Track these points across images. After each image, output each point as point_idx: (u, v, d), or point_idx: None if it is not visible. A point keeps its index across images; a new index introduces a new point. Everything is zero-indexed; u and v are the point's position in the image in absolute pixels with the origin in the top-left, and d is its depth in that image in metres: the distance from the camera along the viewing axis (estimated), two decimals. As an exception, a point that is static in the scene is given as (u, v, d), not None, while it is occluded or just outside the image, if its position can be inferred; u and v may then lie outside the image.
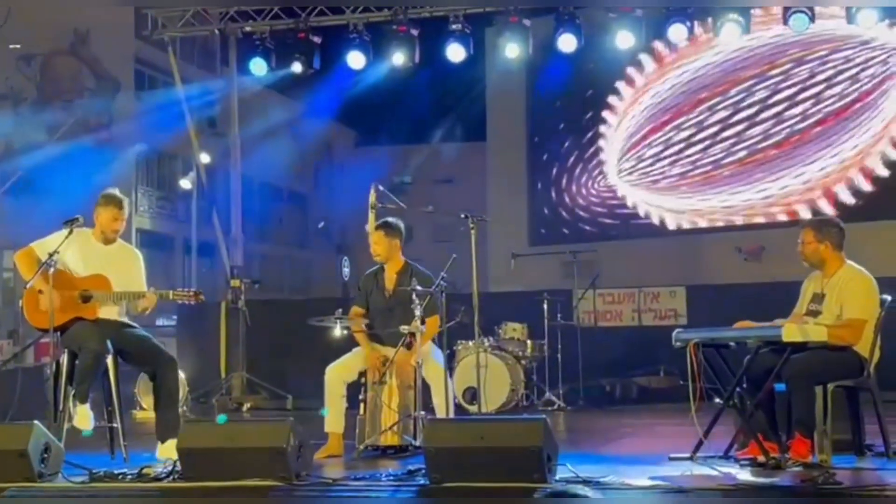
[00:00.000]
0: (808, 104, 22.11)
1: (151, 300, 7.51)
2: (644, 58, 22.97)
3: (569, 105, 24.99)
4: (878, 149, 21.24)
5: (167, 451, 7.05)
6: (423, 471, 6.12)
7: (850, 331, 6.70)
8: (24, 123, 36.24)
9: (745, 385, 6.87)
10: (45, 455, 6.43)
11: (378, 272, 8.36)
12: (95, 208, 7.64)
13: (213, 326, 13.58)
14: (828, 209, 20.18)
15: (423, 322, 7.68)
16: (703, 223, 23.23)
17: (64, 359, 7.39)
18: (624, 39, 12.42)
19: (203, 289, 8.42)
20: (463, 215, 8.26)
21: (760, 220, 22.47)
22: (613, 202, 24.50)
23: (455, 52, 12.62)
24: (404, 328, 7.70)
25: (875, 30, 18.79)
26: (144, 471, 6.59)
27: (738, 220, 22.92)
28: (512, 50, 12.67)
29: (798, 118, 22.23)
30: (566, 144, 25.33)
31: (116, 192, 7.79)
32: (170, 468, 6.47)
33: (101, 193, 7.80)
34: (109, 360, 7.43)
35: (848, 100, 21.66)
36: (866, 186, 21.13)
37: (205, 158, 16.80)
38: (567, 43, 12.36)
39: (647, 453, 7.39)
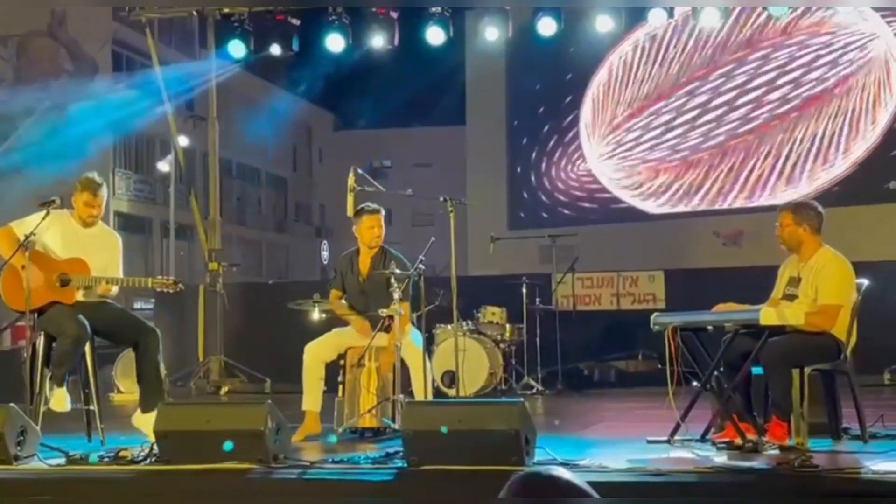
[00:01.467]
0: (786, 89, 22.16)
1: (111, 288, 7.51)
2: (623, 43, 22.98)
3: (549, 89, 24.96)
4: (856, 132, 21.32)
5: (146, 422, 7.02)
6: (402, 453, 6.15)
7: (824, 317, 6.73)
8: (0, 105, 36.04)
9: (722, 369, 6.89)
10: (21, 438, 6.43)
11: (353, 255, 8.37)
12: (73, 193, 7.60)
13: (191, 310, 13.56)
14: (805, 193, 20.23)
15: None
16: (681, 207, 23.28)
17: (40, 342, 7.35)
18: (604, 23, 12.42)
19: (181, 272, 8.49)
20: (442, 198, 8.26)
21: (739, 204, 22.54)
22: (593, 187, 24.52)
23: (435, 36, 12.59)
24: (383, 311, 7.71)
25: (853, 15, 18.87)
26: (121, 454, 6.58)
27: (715, 205, 22.98)
28: (492, 33, 12.66)
29: (777, 103, 22.28)
30: (546, 128, 25.31)
31: (94, 176, 7.69)
32: (146, 451, 6.47)
33: (79, 178, 7.76)
34: (87, 345, 7.41)
35: (827, 84, 21.72)
36: (843, 170, 21.22)
37: (183, 141, 16.79)
38: (547, 27, 12.34)
39: (624, 436, 7.43)
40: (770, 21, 20.79)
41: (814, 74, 21.84)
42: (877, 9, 18.48)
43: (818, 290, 6.78)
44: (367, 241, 8.27)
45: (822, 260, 6.89)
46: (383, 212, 8.29)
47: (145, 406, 7.35)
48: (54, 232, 7.41)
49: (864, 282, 6.99)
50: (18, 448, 6.37)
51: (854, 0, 11.77)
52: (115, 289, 7.54)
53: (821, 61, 21.74)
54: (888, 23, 20.68)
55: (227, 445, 6.04)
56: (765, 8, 12.25)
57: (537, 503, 1.97)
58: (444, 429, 5.93)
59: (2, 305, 7.61)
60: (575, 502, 1.98)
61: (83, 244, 7.49)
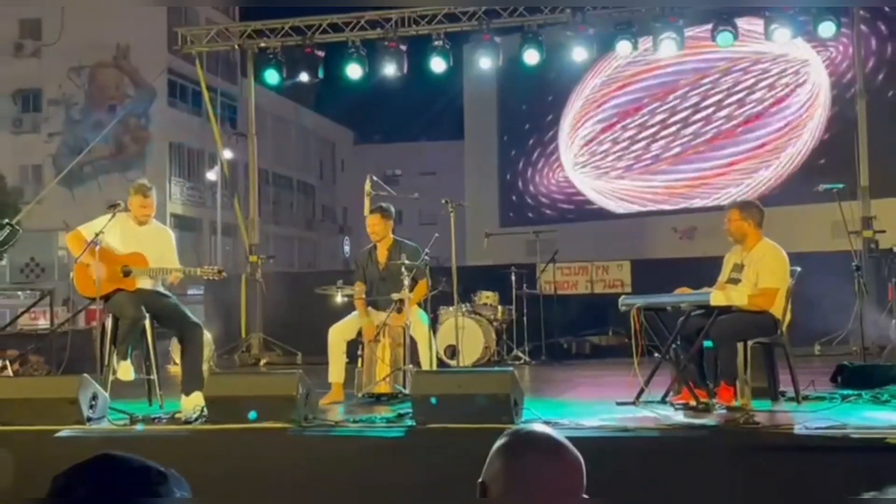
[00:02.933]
0: (732, 108, 22.14)
1: (178, 276, 7.50)
2: (596, 70, 22.96)
3: (533, 109, 24.95)
4: (791, 144, 21.30)
5: (190, 403, 7.03)
6: (411, 414, 6.14)
7: (764, 298, 6.73)
8: (74, 124, 36.07)
9: (679, 342, 6.89)
10: (93, 402, 6.43)
11: (371, 249, 8.36)
12: (129, 197, 7.61)
13: (235, 295, 13.53)
14: (748, 195, 20.20)
15: (411, 290, 7.70)
16: (644, 207, 23.28)
17: (108, 322, 7.37)
18: (579, 53, 12.37)
19: (225, 263, 8.43)
20: (444, 201, 8.29)
21: (692, 204, 22.53)
22: (570, 191, 24.51)
23: (437, 64, 12.57)
24: (395, 295, 7.72)
25: (789, 46, 18.81)
26: (177, 416, 6.60)
27: (673, 205, 22.97)
28: (485, 63, 12.63)
29: (723, 120, 22.26)
30: (531, 142, 25.30)
31: (144, 181, 7.77)
32: (198, 413, 6.48)
33: (132, 185, 7.80)
34: (146, 323, 7.41)
35: (766, 104, 21.70)
36: (780, 175, 21.22)
37: (227, 154, 16.75)
38: (531, 56, 12.31)
39: (597, 399, 7.41)
40: (717, 51, 20.75)
41: (755, 95, 21.84)
42: (808, 39, 18.42)
43: (759, 275, 6.77)
44: (370, 236, 8.29)
45: (763, 250, 6.88)
46: (379, 214, 8.22)
47: (187, 389, 7.33)
48: (116, 231, 7.41)
49: (798, 269, 6.98)
50: (91, 411, 6.38)
51: (852, 1, 11.67)
52: (177, 275, 7.50)
53: (761, 84, 21.74)
54: (818, 52, 20.67)
55: (252, 415, 6.01)
56: (713, 38, 12.16)
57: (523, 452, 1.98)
58: (433, 399, 5.94)
59: (76, 293, 7.61)
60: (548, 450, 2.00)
61: (140, 240, 7.49)
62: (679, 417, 6.25)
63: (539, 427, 2.07)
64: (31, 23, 36.04)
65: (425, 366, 7.77)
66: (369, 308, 8.13)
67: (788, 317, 6.85)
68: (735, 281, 6.93)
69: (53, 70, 35.81)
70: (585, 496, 1.99)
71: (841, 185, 9.01)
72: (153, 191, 7.67)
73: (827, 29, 11.55)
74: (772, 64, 21.44)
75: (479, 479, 1.99)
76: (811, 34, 12.36)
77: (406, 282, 7.66)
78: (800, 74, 21.26)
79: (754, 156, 21.86)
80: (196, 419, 6.38)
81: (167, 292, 7.70)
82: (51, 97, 36.52)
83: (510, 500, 1.93)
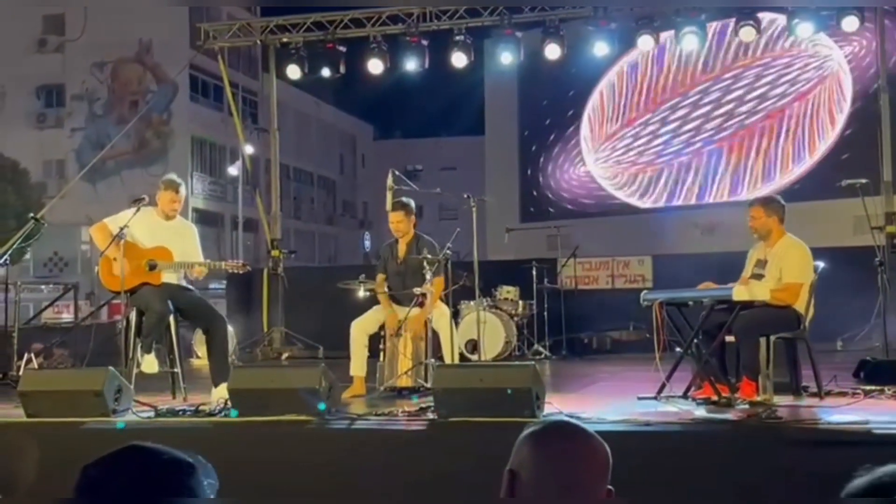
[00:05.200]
0: (754, 103, 22.02)
1: (203, 271, 7.53)
2: (617, 65, 22.88)
3: (554, 104, 24.88)
4: (813, 139, 21.18)
5: (220, 393, 7.08)
6: (433, 408, 6.15)
7: (788, 293, 6.71)
8: (97, 120, 36.28)
9: (701, 337, 6.87)
10: (118, 395, 6.47)
11: (393, 244, 8.38)
12: (157, 192, 7.65)
13: (257, 289, 13.60)
14: (770, 190, 20.10)
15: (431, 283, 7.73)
16: (665, 203, 23.20)
17: (133, 316, 7.41)
18: (600, 49, 12.36)
19: (247, 258, 8.47)
20: (466, 195, 8.30)
21: (713, 199, 22.43)
22: (591, 186, 24.44)
23: (458, 59, 12.57)
24: (417, 290, 7.74)
25: (811, 40, 18.71)
26: (201, 408, 6.64)
27: (695, 200, 22.87)
28: (506, 57, 12.63)
29: (745, 115, 22.15)
30: (552, 137, 25.23)
31: (174, 177, 7.80)
32: (222, 405, 6.52)
33: (162, 179, 7.82)
34: (171, 318, 7.46)
35: (788, 99, 21.58)
36: (802, 171, 21.10)
37: (249, 149, 16.80)
38: (552, 51, 12.30)
39: (618, 394, 7.41)
40: (740, 45, 20.64)
41: (777, 90, 21.70)
42: (830, 34, 18.32)
43: (782, 270, 6.75)
44: (393, 232, 8.31)
45: (786, 245, 6.86)
46: (403, 211, 8.23)
47: (216, 380, 7.38)
48: (141, 225, 7.45)
49: (821, 264, 6.96)
50: (116, 403, 6.42)
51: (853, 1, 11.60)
52: (201, 269, 7.52)
53: (783, 80, 21.60)
54: (840, 46, 20.52)
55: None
56: (735, 34, 12.13)
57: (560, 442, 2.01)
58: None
59: (99, 287, 7.66)
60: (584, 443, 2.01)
61: (165, 235, 7.53)
62: (701, 412, 6.23)
63: (566, 418, 2.10)
64: (54, 18, 36.28)
65: (447, 360, 7.78)
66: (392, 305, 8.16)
67: (811, 312, 6.83)
68: (758, 277, 6.92)
69: (76, 65, 36.03)
70: (610, 487, 2.02)
71: (864, 181, 8.95)
72: (183, 186, 7.72)
73: (850, 23, 11.49)
74: (794, 59, 21.31)
75: (507, 468, 2.01)
76: (834, 29, 12.28)
77: (428, 276, 7.68)
78: (822, 69, 21.11)
79: (776, 151, 21.74)
80: (220, 412, 6.42)
81: (190, 286, 7.75)
82: (74, 92, 36.75)
83: (540, 484, 1.96)
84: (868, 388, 6.99)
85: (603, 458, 2.02)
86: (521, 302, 11.66)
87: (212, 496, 1.95)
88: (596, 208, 23.96)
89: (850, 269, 9.18)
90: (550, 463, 1.97)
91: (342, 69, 13.22)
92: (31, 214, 10.41)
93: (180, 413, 6.59)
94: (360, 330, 7.98)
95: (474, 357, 10.09)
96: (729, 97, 22.35)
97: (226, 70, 14.89)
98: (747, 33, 11.99)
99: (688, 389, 6.82)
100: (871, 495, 1.65)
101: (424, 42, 12.63)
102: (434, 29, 12.73)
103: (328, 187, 48.24)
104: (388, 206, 8.32)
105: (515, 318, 11.47)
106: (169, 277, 7.49)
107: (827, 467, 5.06)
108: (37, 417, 6.39)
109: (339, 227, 48.40)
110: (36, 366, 9.40)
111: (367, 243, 47.33)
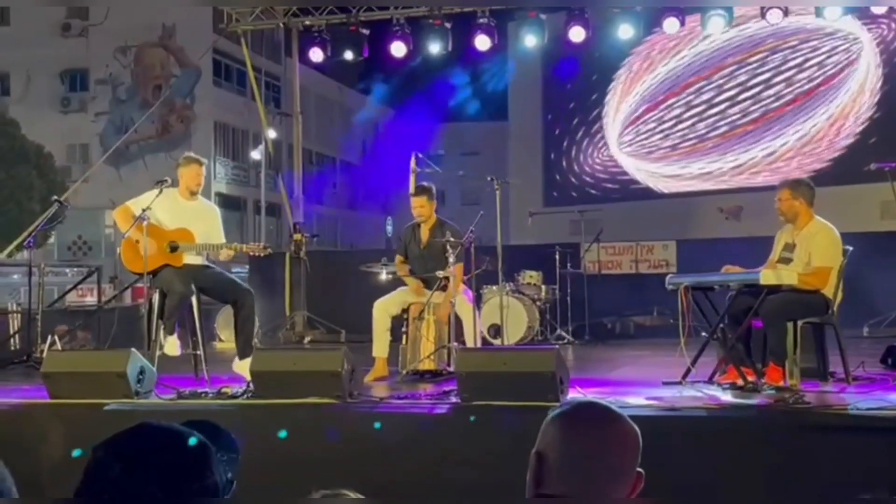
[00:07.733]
0: (780, 86, 21.82)
1: (230, 254, 7.51)
2: (641, 48, 22.72)
3: (578, 87, 24.76)
4: (840, 123, 20.98)
5: (244, 367, 7.03)
6: (455, 391, 6.13)
7: (817, 277, 6.64)
8: (120, 104, 36.43)
9: (726, 321, 6.82)
10: (141, 377, 6.49)
11: (415, 227, 8.36)
12: (178, 169, 7.63)
13: (279, 273, 13.61)
14: (796, 175, 19.92)
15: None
16: (689, 187, 23.06)
17: (155, 298, 7.40)
18: (625, 31, 12.27)
19: (269, 242, 8.45)
20: (490, 178, 8.27)
21: (738, 184, 22.28)
22: (615, 170, 24.33)
23: (482, 43, 12.50)
24: (440, 273, 7.71)
25: (839, 23, 18.52)
26: (223, 390, 6.64)
27: (719, 184, 22.73)
28: (530, 40, 12.56)
29: (772, 98, 21.95)
30: (575, 121, 25.12)
31: (194, 154, 7.85)
32: (244, 388, 6.51)
33: (183, 156, 7.83)
34: (193, 300, 7.45)
35: (815, 82, 21.37)
36: (830, 155, 20.91)
37: (271, 133, 16.79)
38: (577, 34, 12.22)
39: (643, 379, 7.36)
40: (766, 27, 20.45)
41: (804, 74, 21.49)
42: (858, 16, 18.14)
43: (811, 254, 6.68)
44: (415, 216, 8.27)
45: (815, 229, 6.79)
46: (425, 196, 8.20)
47: (243, 354, 7.37)
48: (164, 207, 7.43)
49: (849, 248, 6.88)
50: (139, 385, 6.44)
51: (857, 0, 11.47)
52: (228, 252, 7.50)
53: (810, 62, 21.39)
54: (868, 29, 20.30)
55: (282, 434, 5.90)
56: (762, 15, 12.00)
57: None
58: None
59: (123, 270, 7.67)
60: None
61: (187, 216, 7.50)
62: (727, 397, 6.18)
63: (594, 399, 2.07)
64: (78, 2, 36.40)
65: (470, 343, 7.76)
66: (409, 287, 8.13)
67: (840, 296, 6.76)
68: (787, 260, 6.85)
69: (100, 50, 36.16)
70: (639, 470, 1.98)
71: (893, 164, 8.84)
72: (204, 161, 7.75)
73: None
74: (821, 42, 21.09)
75: (534, 450, 1.98)
76: (862, 11, 12.14)
77: (451, 260, 7.65)
78: (850, 52, 20.89)
79: (803, 135, 21.55)
80: (242, 394, 6.42)
81: (213, 265, 7.72)
82: (97, 77, 36.90)
83: (569, 466, 1.92)
84: (896, 373, 6.93)
85: (633, 440, 1.98)
86: (543, 287, 11.62)
87: (230, 474, 1.91)
88: (619, 193, 23.85)
89: (877, 255, 9.09)
90: (579, 445, 1.93)
91: (365, 52, 13.18)
92: (55, 197, 10.45)
93: (203, 395, 6.59)
94: (383, 310, 7.96)
95: (497, 341, 10.06)
96: (755, 80, 22.16)
97: (249, 53, 14.88)
98: (774, 15, 11.86)
99: (713, 374, 6.76)
100: None
101: (448, 25, 12.57)
102: (458, 11, 12.66)
103: (350, 172, 48.26)
104: (412, 189, 8.29)
105: (538, 303, 11.43)
106: (191, 259, 7.48)
107: (854, 453, 5.02)
108: (60, 398, 6.41)
109: (360, 211, 48.43)
110: (59, 348, 9.44)
111: (389, 228, 47.34)
